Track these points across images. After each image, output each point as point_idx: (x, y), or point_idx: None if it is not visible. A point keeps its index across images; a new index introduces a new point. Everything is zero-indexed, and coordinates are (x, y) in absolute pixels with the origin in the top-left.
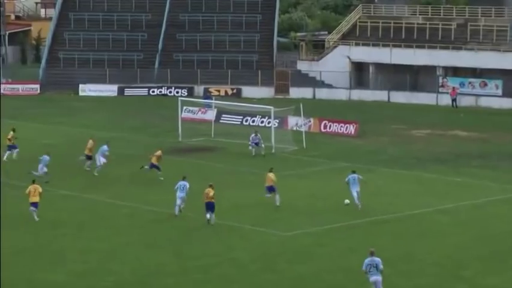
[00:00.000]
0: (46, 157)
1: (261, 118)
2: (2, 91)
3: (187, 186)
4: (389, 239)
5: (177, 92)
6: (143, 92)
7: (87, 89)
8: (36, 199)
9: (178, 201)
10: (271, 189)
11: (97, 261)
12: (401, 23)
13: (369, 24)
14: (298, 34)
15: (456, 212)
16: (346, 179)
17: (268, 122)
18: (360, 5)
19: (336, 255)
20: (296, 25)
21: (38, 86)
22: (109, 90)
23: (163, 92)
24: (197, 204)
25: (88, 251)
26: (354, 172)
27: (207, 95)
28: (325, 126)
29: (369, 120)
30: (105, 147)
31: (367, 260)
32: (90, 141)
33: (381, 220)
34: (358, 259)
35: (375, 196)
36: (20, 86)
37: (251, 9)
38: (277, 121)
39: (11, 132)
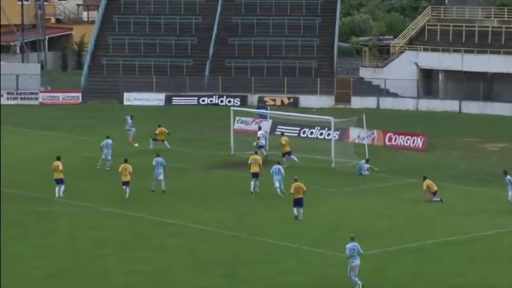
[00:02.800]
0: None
1: (320, 130)
2: (40, 100)
3: (282, 169)
4: (460, 262)
5: (229, 102)
6: (193, 101)
7: (132, 98)
8: (127, 178)
9: (276, 184)
10: (299, 202)
11: (142, 284)
12: (474, 27)
13: (438, 27)
14: (361, 38)
15: None
16: (506, 180)
17: (328, 134)
18: (429, 6)
19: (401, 280)
20: (358, 29)
21: (79, 94)
22: (156, 99)
23: (214, 101)
24: (249, 223)
25: (132, 273)
26: (506, 173)
27: (260, 104)
28: (390, 139)
29: (438, 133)
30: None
31: (350, 245)
32: None
33: (450, 242)
34: (426, 285)
35: (444, 215)
36: (60, 95)
37: (310, 11)
38: (338, 133)
39: (163, 129)
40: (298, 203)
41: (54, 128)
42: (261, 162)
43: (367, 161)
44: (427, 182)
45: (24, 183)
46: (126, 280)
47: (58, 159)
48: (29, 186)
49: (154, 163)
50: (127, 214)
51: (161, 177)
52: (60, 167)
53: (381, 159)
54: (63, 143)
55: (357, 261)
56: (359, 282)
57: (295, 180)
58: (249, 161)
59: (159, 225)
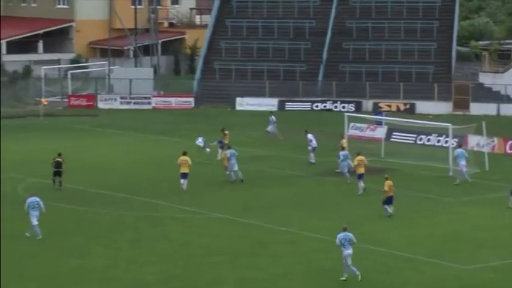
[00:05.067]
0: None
1: (437, 137)
2: (153, 104)
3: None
4: None
5: (343, 107)
6: (306, 106)
7: (244, 103)
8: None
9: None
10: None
11: None
12: None
13: None
14: (481, 43)
15: None
16: None
17: (446, 142)
18: None
19: None
20: (478, 32)
21: (192, 99)
22: (268, 104)
23: (327, 107)
24: (363, 232)
25: (244, 280)
26: None
27: (378, 110)
28: (511, 147)
29: None
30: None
31: (341, 235)
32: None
33: None
34: None
35: None
36: (172, 99)
37: (427, 14)
38: (456, 140)
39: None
40: (391, 201)
41: (167, 132)
42: (366, 162)
43: (459, 146)
44: None
45: (138, 188)
46: None
47: (184, 154)
48: (142, 191)
49: (228, 155)
50: (239, 221)
51: (236, 167)
52: (189, 162)
53: (501, 167)
54: (176, 148)
55: (349, 251)
56: (357, 272)
57: (387, 179)
58: (355, 163)
59: (271, 232)
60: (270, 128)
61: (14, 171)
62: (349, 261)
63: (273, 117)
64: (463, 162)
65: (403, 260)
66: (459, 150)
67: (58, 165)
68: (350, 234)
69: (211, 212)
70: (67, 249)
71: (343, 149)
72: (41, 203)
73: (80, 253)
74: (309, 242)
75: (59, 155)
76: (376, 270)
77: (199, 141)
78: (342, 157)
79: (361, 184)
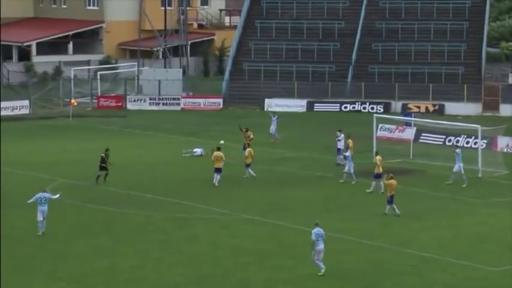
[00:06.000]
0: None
1: (466, 138)
2: (182, 105)
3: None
4: None
5: (372, 108)
6: (335, 107)
7: (273, 104)
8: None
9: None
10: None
11: None
12: None
13: None
14: (511, 44)
15: None
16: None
17: (475, 143)
18: None
19: None
20: (508, 34)
21: (220, 100)
22: (297, 105)
23: (356, 108)
24: (393, 233)
25: (273, 281)
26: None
27: (407, 111)
28: None
29: None
30: None
31: (315, 230)
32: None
33: None
34: None
35: None
36: (201, 101)
37: (457, 15)
38: (485, 141)
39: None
40: (392, 200)
41: (195, 133)
42: (382, 163)
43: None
44: None
45: (166, 189)
46: None
47: (219, 149)
48: (170, 192)
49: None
50: (267, 222)
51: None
52: (223, 158)
53: None
54: (205, 149)
55: (321, 246)
56: (322, 266)
57: (391, 178)
58: (378, 163)
59: (299, 233)
60: (272, 128)
61: (44, 172)
62: (321, 256)
63: (276, 116)
64: (460, 163)
65: (432, 262)
66: (458, 150)
67: (101, 160)
68: (322, 230)
69: (239, 213)
70: (95, 249)
71: (347, 149)
72: (52, 197)
73: (108, 254)
74: (337, 243)
75: (106, 150)
76: (405, 272)
77: (197, 152)
78: (347, 157)
79: (378, 183)
